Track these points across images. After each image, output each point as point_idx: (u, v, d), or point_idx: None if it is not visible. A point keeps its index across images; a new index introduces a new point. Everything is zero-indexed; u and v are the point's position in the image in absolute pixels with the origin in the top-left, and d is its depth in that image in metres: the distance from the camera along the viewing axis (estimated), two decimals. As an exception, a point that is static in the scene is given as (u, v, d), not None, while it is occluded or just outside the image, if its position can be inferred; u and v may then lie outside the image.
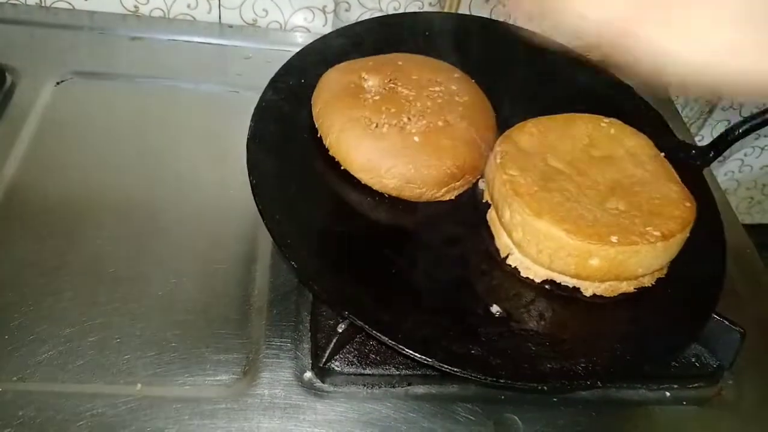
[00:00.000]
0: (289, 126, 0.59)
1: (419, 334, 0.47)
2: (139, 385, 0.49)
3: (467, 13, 0.80)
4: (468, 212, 0.57)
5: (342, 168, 0.56)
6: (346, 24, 0.79)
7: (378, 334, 0.46)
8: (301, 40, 0.80)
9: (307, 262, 0.49)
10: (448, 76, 0.62)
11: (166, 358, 0.50)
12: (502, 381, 0.46)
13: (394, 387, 0.51)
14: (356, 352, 0.51)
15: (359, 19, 0.79)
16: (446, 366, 0.45)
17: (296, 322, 0.54)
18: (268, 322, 0.54)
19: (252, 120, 0.58)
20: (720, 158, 0.66)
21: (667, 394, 0.55)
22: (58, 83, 0.69)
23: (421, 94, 0.59)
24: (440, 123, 0.57)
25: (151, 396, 0.48)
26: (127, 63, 0.74)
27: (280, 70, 0.62)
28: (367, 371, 0.51)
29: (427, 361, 0.45)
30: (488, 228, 0.56)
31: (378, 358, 0.51)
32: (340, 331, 0.49)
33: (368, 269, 0.52)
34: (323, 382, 0.51)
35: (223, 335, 0.52)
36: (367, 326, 0.46)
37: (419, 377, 0.51)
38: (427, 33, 0.69)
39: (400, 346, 0.46)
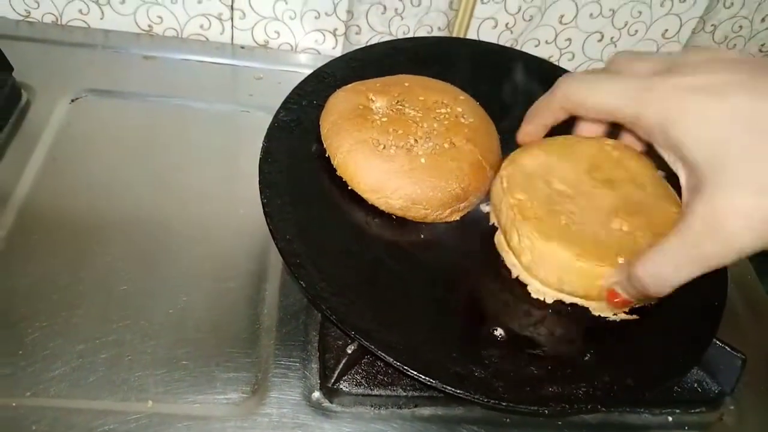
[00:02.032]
0: (301, 146, 0.60)
1: (423, 355, 0.48)
2: (150, 403, 0.49)
3: (475, 38, 0.82)
4: (474, 233, 0.58)
5: (349, 188, 0.57)
6: (357, 47, 0.81)
7: (383, 354, 0.46)
8: (312, 62, 0.82)
9: (316, 282, 0.50)
10: (453, 97, 0.63)
11: (177, 376, 0.51)
12: (504, 404, 0.47)
13: (401, 408, 0.52)
14: (364, 373, 0.52)
15: (369, 43, 0.81)
16: (449, 387, 0.46)
17: (305, 341, 0.55)
18: (277, 341, 0.54)
19: (264, 140, 0.59)
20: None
21: (669, 419, 0.56)
22: (72, 101, 0.71)
23: (428, 116, 0.60)
24: (446, 145, 0.58)
25: (162, 413, 0.49)
26: (140, 81, 0.75)
27: (292, 91, 0.63)
28: (375, 392, 0.51)
29: (430, 382, 0.46)
30: (494, 248, 0.57)
31: (386, 379, 0.52)
32: (349, 352, 0.49)
33: (375, 289, 0.52)
34: (331, 402, 0.51)
35: (233, 354, 0.53)
36: (372, 347, 0.47)
37: (426, 399, 0.52)
38: (436, 57, 0.71)
39: (405, 367, 0.46)
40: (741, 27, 0.84)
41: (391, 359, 0.46)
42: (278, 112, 0.61)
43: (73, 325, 0.53)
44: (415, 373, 0.46)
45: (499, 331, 0.51)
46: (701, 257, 0.41)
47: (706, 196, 0.40)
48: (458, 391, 0.46)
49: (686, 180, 0.43)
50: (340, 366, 0.50)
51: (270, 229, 0.52)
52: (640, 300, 0.50)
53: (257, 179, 0.55)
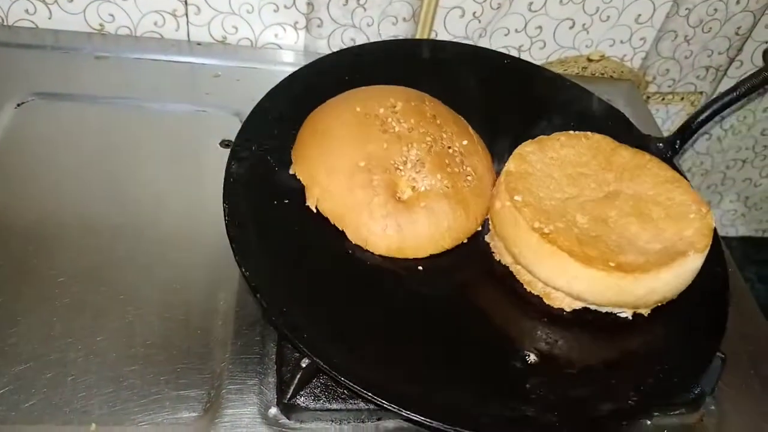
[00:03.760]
0: (263, 198, 0.54)
1: (458, 405, 0.44)
2: (93, 425, 0.46)
3: (442, 28, 0.79)
4: (472, 256, 0.55)
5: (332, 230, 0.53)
6: (320, 40, 0.78)
7: (410, 414, 0.42)
8: (273, 57, 0.79)
9: (316, 341, 0.45)
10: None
11: (123, 396, 0.48)
12: None
13: (363, 422, 0.49)
14: (323, 387, 0.49)
15: (331, 35, 0.78)
16: None
17: (261, 354, 0.51)
18: (231, 355, 0.51)
19: (224, 201, 0.52)
20: (685, 146, 0.66)
21: (648, 422, 0.53)
22: (18, 105, 0.67)
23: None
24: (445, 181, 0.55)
25: (107, 436, 0.46)
26: (91, 83, 0.71)
27: (237, 137, 0.57)
28: (335, 406, 0.48)
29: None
30: (497, 266, 0.54)
31: (346, 392, 0.49)
32: (303, 366, 0.46)
33: (382, 336, 0.48)
34: (289, 418, 0.48)
35: (184, 370, 0.50)
36: (396, 407, 0.43)
37: (390, 411, 0.49)
38: (400, 61, 0.67)
39: (446, 426, 0.42)
40: (716, 10, 0.81)
41: (430, 420, 0.42)
42: (229, 164, 0.54)
43: (11, 345, 0.49)
44: (459, 429, 0.42)
45: (531, 356, 0.48)
46: None
47: None
48: None
49: None
50: (296, 380, 0.47)
51: (262, 305, 0.47)
52: None
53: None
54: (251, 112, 0.59)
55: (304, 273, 0.50)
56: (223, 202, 0.51)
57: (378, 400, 0.43)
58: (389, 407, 0.43)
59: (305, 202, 0.53)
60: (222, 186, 0.53)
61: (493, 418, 0.44)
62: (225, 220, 0.50)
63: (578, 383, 0.47)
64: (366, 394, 0.43)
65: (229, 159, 0.55)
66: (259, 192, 0.54)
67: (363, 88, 0.59)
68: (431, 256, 0.53)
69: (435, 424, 0.42)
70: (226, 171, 0.54)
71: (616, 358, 0.49)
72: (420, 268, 0.52)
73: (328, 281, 0.50)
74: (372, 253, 0.52)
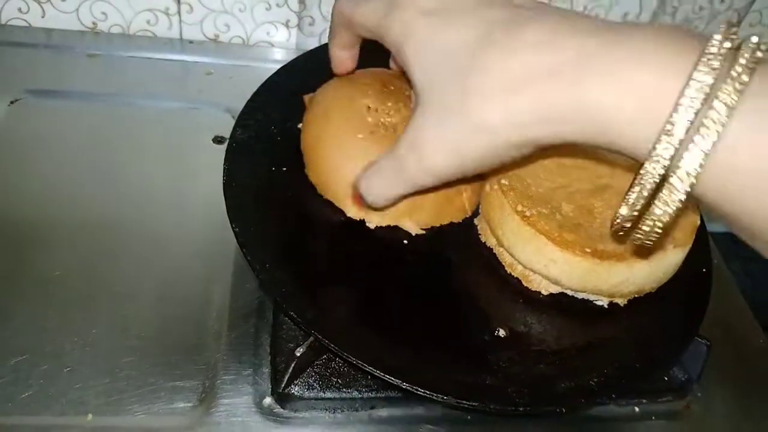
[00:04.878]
0: (263, 164, 0.55)
1: (428, 370, 0.45)
2: (90, 416, 0.47)
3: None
4: (457, 233, 0.55)
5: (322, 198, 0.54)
6: (312, 38, 0.79)
7: (390, 378, 0.43)
8: (265, 55, 0.80)
9: (305, 310, 0.46)
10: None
11: (119, 387, 0.48)
12: (521, 409, 0.44)
13: (357, 411, 0.50)
14: (317, 376, 0.49)
15: (323, 33, 0.79)
16: (464, 402, 0.43)
17: (256, 345, 0.52)
18: (226, 346, 0.52)
19: (225, 163, 0.52)
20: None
21: (636, 409, 0.54)
22: (11, 103, 0.67)
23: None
24: None
25: (103, 426, 0.46)
26: (84, 80, 0.72)
27: (245, 105, 0.58)
28: (329, 395, 0.49)
29: (442, 398, 0.43)
30: (482, 245, 0.54)
31: (340, 381, 0.49)
32: (298, 355, 0.47)
33: (366, 307, 0.49)
34: (283, 407, 0.49)
35: (179, 361, 0.50)
36: (378, 372, 0.43)
37: (383, 400, 0.50)
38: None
39: (415, 388, 0.43)
40: (701, 8, 0.83)
41: (400, 382, 0.43)
42: (234, 130, 0.56)
43: (6, 338, 0.50)
44: (427, 392, 0.43)
45: (501, 331, 0.49)
46: (407, 177, 0.41)
47: (413, 119, 0.39)
48: (474, 404, 0.44)
49: (413, 102, 0.42)
50: (290, 369, 0.47)
51: (248, 261, 0.47)
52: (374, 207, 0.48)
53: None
54: (261, 85, 0.59)
55: (292, 235, 0.51)
56: (224, 165, 0.52)
57: (341, 352, 0.44)
58: (340, 354, 0.44)
59: (302, 171, 0.54)
60: (215, 181, 0.53)
61: (453, 383, 0.44)
62: (223, 180, 0.51)
63: (543, 361, 0.47)
64: (331, 345, 0.44)
65: (234, 126, 0.56)
66: (258, 158, 0.54)
67: (367, 70, 0.60)
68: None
69: (395, 381, 0.43)
70: (230, 136, 0.55)
71: (587, 343, 0.49)
72: (405, 242, 0.53)
73: (312, 244, 0.51)
74: (363, 222, 0.53)
